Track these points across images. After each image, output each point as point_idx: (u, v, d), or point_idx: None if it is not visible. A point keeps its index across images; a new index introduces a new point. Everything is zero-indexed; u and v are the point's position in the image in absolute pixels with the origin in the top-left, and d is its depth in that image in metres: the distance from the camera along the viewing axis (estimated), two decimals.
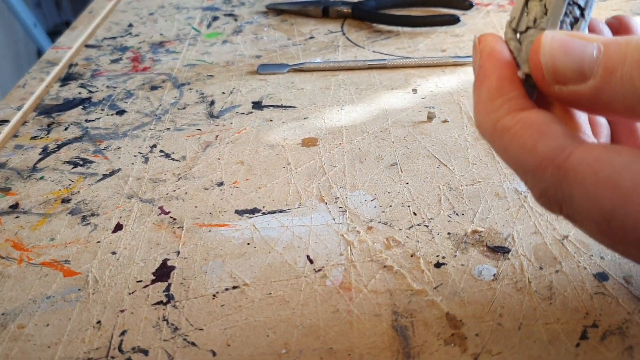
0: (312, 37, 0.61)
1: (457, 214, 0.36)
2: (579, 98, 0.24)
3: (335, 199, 0.38)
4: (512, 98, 0.25)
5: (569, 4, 0.26)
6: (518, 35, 0.27)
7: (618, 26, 0.29)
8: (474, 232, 0.34)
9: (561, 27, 0.26)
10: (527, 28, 0.27)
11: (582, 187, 0.22)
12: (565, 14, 0.26)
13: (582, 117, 0.27)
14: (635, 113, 0.23)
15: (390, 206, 0.37)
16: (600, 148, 0.23)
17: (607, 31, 0.28)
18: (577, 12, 0.26)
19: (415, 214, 0.36)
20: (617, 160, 0.22)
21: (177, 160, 0.43)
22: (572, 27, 0.26)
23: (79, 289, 0.32)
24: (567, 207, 0.24)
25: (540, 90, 0.25)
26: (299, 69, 0.54)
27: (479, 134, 0.26)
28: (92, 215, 0.37)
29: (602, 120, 0.29)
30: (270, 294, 0.31)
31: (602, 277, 0.30)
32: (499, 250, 0.33)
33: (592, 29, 0.28)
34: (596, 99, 0.23)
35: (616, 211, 0.22)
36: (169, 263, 0.33)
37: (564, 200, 0.23)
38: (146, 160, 0.43)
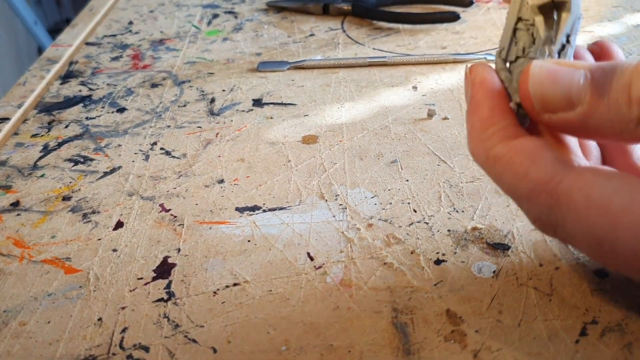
0: (312, 35, 0.61)
1: (457, 211, 0.36)
2: (568, 124, 0.24)
3: (336, 196, 0.38)
4: (503, 127, 0.25)
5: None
6: (508, 65, 0.27)
7: (599, 52, 0.29)
8: (474, 229, 0.34)
9: (548, 54, 0.26)
10: (517, 57, 0.27)
11: (574, 212, 0.23)
12: (552, 42, 0.26)
13: (572, 140, 0.27)
14: (623, 137, 0.23)
15: (391, 203, 0.37)
16: (590, 173, 0.23)
17: (589, 58, 0.29)
18: (564, 39, 0.27)
19: (415, 211, 0.36)
20: (607, 185, 0.23)
21: (177, 157, 0.43)
22: (559, 54, 0.27)
23: (80, 286, 0.32)
24: (561, 230, 0.24)
25: (531, 118, 0.26)
26: (299, 67, 0.54)
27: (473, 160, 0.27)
28: (93, 212, 0.38)
29: (592, 142, 0.29)
30: (270, 291, 0.31)
31: (601, 274, 0.30)
32: (499, 247, 0.33)
33: (576, 56, 0.28)
34: (585, 125, 0.24)
35: (607, 235, 0.22)
36: (170, 260, 0.33)
37: (558, 225, 0.24)
38: (147, 157, 0.43)
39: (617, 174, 0.23)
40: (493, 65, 0.28)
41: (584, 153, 0.28)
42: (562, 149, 0.27)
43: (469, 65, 0.28)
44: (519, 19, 0.27)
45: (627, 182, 0.23)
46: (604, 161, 0.29)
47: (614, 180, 0.23)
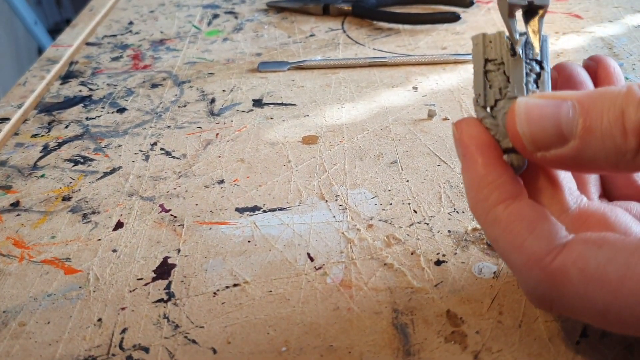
0: (312, 35, 0.61)
1: (457, 212, 0.36)
2: (562, 160, 0.23)
3: (336, 196, 0.38)
4: (500, 185, 0.25)
5: (526, 62, 0.26)
6: (489, 110, 0.26)
7: (596, 68, 0.28)
8: (475, 229, 0.34)
9: (527, 88, 0.26)
10: (496, 101, 0.26)
11: (571, 287, 0.22)
12: (527, 74, 0.26)
13: (567, 176, 0.27)
14: (620, 168, 0.23)
15: (391, 204, 0.37)
16: (582, 243, 0.23)
17: (584, 75, 0.28)
18: (537, 67, 0.26)
19: (415, 211, 0.36)
20: (599, 254, 0.22)
21: (177, 158, 0.43)
22: (537, 84, 0.26)
23: (80, 287, 0.32)
24: (558, 305, 0.24)
25: (525, 158, 0.25)
26: (299, 67, 0.54)
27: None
28: (93, 213, 0.38)
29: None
30: (270, 291, 0.31)
31: None
32: None
33: (570, 75, 0.28)
34: (579, 159, 0.23)
35: (609, 306, 0.22)
36: (170, 261, 0.33)
37: (554, 300, 0.24)
38: (147, 158, 0.43)
39: (607, 239, 0.23)
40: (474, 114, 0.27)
41: (580, 182, 0.28)
42: (556, 189, 0.26)
43: (453, 122, 0.26)
44: (487, 61, 0.26)
45: (619, 246, 0.22)
46: (604, 182, 0.29)
47: (606, 247, 0.22)
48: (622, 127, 0.21)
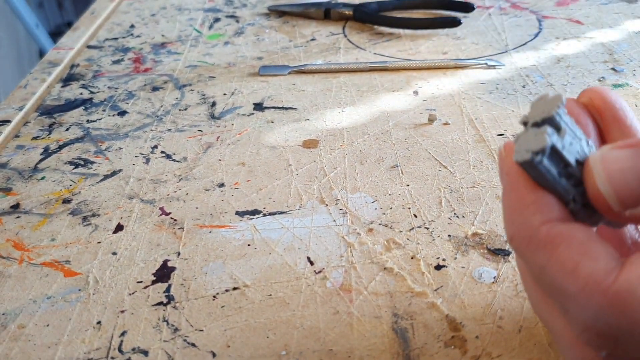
0: (313, 39, 0.61)
1: (457, 217, 0.36)
2: None
3: (336, 200, 0.38)
4: (544, 205, 0.22)
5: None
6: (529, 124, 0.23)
7: (601, 105, 0.25)
8: (475, 234, 0.34)
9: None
10: (524, 123, 0.23)
11: None
12: (575, 139, 0.22)
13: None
14: None
15: (391, 208, 0.37)
16: None
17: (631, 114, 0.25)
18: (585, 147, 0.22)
19: (415, 216, 0.36)
20: None
21: (178, 161, 0.43)
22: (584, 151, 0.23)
23: (80, 290, 0.32)
24: (625, 341, 0.20)
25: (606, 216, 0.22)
26: (300, 71, 0.54)
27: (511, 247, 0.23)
28: (93, 215, 0.38)
29: None
30: (270, 295, 0.31)
31: None
32: (500, 253, 0.33)
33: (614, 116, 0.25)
34: None
35: None
36: (170, 264, 0.33)
37: (620, 329, 0.20)
38: (147, 161, 0.43)
39: None
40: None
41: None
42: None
43: (501, 144, 0.23)
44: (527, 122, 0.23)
45: None
46: None
47: None
48: None
